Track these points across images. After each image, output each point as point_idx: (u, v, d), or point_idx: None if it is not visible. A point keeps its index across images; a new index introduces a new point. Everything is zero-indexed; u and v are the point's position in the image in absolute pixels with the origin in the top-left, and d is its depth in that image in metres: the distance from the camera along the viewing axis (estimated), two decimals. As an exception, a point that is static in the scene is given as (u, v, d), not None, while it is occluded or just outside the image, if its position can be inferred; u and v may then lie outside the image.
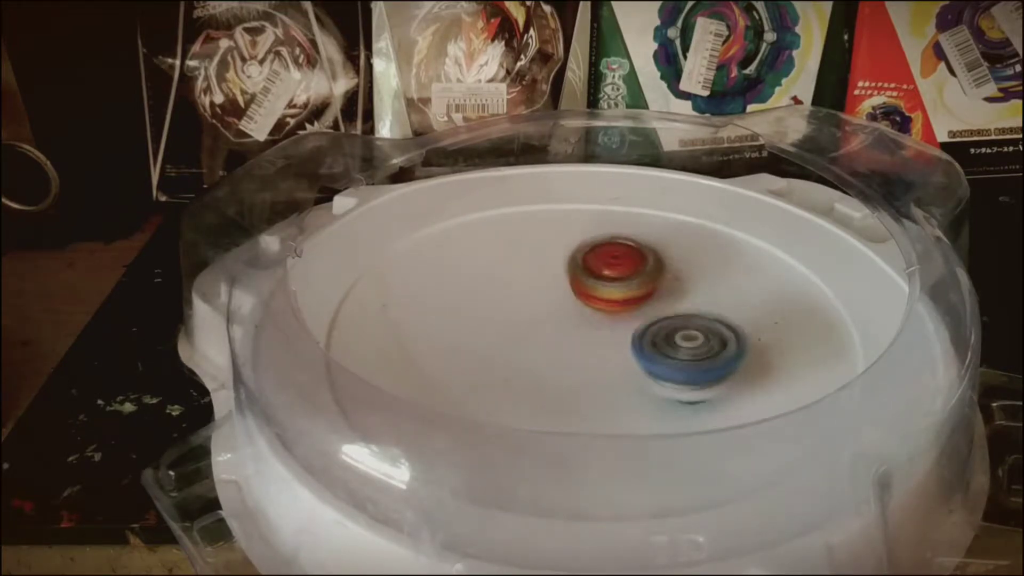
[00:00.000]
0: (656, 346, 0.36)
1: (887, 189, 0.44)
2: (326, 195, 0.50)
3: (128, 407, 0.41)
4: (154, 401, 0.42)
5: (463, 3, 0.57)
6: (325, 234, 0.47)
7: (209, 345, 0.42)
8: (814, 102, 0.59)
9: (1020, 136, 0.59)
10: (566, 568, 0.28)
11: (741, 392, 0.37)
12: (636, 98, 0.60)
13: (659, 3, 0.58)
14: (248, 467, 0.34)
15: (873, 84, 0.59)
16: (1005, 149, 0.59)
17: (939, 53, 0.58)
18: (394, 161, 0.53)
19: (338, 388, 0.34)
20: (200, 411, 0.40)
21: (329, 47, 0.58)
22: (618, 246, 0.43)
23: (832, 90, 0.59)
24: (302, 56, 0.58)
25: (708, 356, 0.36)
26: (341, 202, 0.50)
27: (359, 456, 0.31)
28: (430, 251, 0.48)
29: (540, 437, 0.31)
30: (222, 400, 0.39)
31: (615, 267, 0.41)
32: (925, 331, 0.37)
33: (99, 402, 0.42)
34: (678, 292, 0.44)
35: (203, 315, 0.42)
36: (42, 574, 0.36)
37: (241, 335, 0.37)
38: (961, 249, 0.40)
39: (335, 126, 0.59)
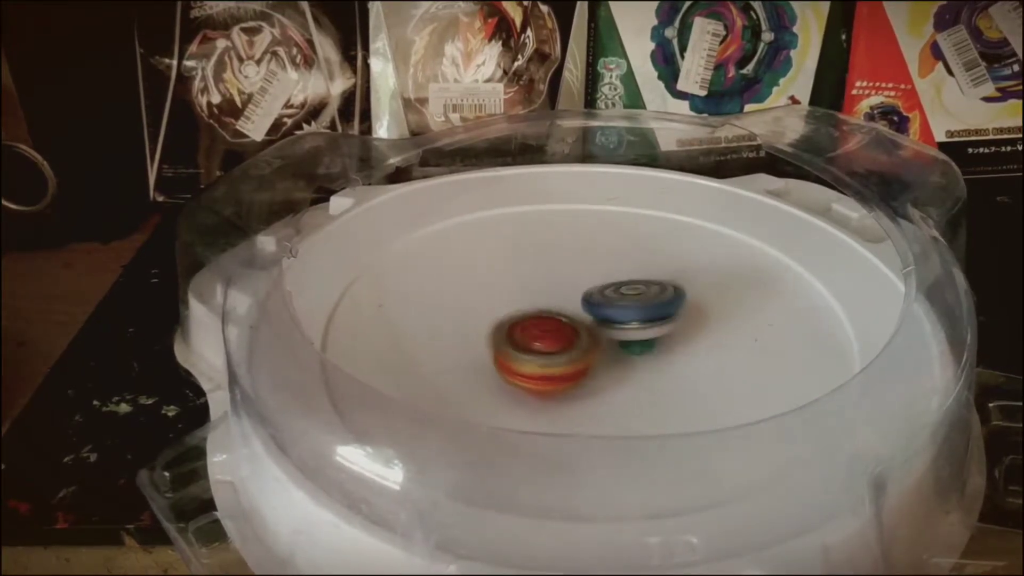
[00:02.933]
0: (606, 298, 0.40)
1: (884, 189, 0.43)
2: (323, 195, 0.50)
3: (124, 408, 0.41)
4: (150, 402, 0.42)
5: (460, 3, 0.57)
6: (321, 234, 0.47)
7: (205, 346, 0.42)
8: (812, 102, 0.59)
9: (1018, 136, 0.59)
10: (560, 569, 0.28)
11: (738, 391, 0.37)
12: (633, 98, 0.60)
13: (656, 3, 0.58)
14: (243, 468, 0.34)
15: (871, 84, 0.59)
16: (1003, 149, 0.59)
17: (937, 53, 0.58)
18: (391, 161, 0.53)
19: (333, 389, 0.34)
20: (196, 412, 0.40)
21: (326, 47, 0.58)
22: (548, 320, 0.38)
23: (830, 90, 0.59)
24: (299, 56, 0.58)
25: (654, 299, 0.39)
26: (338, 202, 0.50)
27: (354, 457, 0.30)
28: (427, 251, 0.48)
29: (534, 438, 0.31)
30: (218, 401, 0.39)
31: (544, 341, 0.36)
32: (922, 331, 0.37)
33: (95, 403, 0.42)
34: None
35: (199, 316, 0.42)
36: (38, 575, 0.36)
37: (236, 336, 0.37)
38: (958, 249, 0.40)
39: (332, 126, 0.59)
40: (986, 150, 0.59)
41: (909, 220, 0.41)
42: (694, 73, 0.59)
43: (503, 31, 0.58)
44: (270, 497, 0.33)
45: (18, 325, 0.49)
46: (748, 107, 0.59)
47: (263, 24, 0.58)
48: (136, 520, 0.35)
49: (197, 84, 0.59)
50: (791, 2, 0.58)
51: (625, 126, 0.60)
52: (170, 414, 0.41)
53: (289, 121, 0.59)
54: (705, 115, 0.59)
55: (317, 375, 0.35)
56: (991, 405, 0.37)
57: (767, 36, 0.58)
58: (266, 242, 0.43)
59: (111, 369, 0.44)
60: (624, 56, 0.59)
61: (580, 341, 0.37)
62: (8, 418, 0.41)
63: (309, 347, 0.36)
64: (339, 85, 0.59)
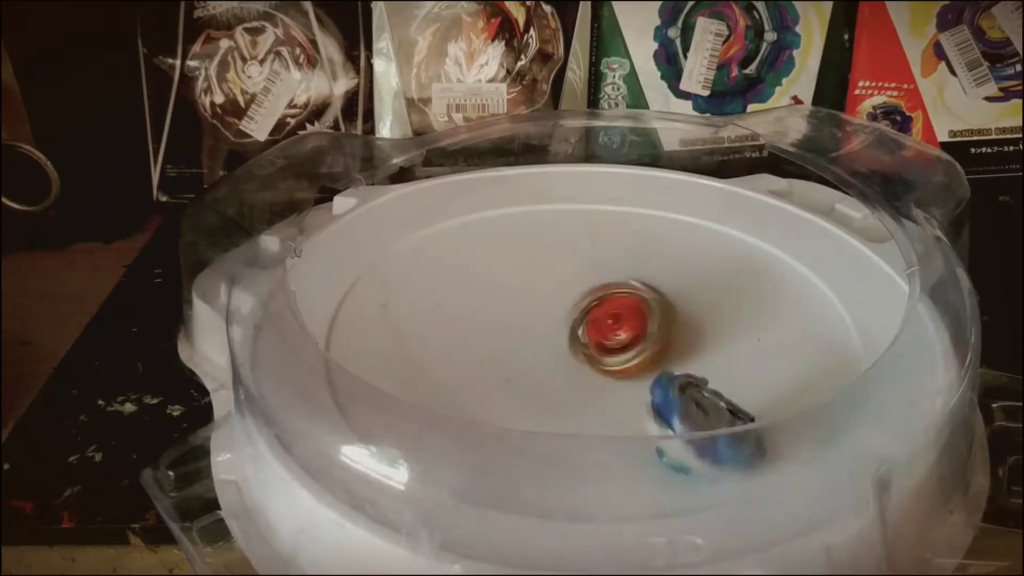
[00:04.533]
0: (683, 392, 0.32)
1: (887, 189, 0.43)
2: (326, 195, 0.50)
3: (128, 407, 0.41)
4: (154, 401, 0.42)
5: (463, 3, 0.57)
6: (325, 234, 0.47)
7: (209, 345, 0.42)
8: (814, 102, 0.59)
9: (1020, 136, 0.59)
10: (564, 569, 0.28)
11: (741, 391, 0.37)
12: (636, 98, 0.60)
13: (659, 3, 0.58)
14: (247, 467, 0.34)
15: (873, 84, 0.59)
16: (1005, 149, 0.59)
17: (939, 53, 0.58)
18: (394, 161, 0.53)
19: (337, 389, 0.34)
20: (200, 411, 0.40)
21: (329, 47, 0.58)
22: (618, 300, 0.39)
23: (832, 90, 0.59)
24: (302, 56, 0.58)
25: (718, 437, 0.31)
26: (341, 202, 0.50)
27: (358, 457, 0.31)
28: (430, 251, 0.48)
29: (539, 438, 0.31)
30: (222, 400, 0.39)
31: (619, 331, 0.38)
32: (925, 331, 0.37)
33: (99, 402, 0.42)
34: (678, 294, 0.43)
35: (203, 315, 0.42)
36: (42, 574, 0.36)
37: (240, 335, 0.37)
38: (961, 249, 0.40)
39: (335, 126, 0.59)
40: (988, 150, 0.59)
41: (912, 220, 0.41)
42: (697, 73, 0.59)
43: (506, 31, 0.58)
44: (274, 496, 0.33)
45: (22, 325, 0.49)
46: (751, 107, 0.59)
47: (266, 24, 0.58)
48: (141, 519, 0.35)
49: (200, 84, 0.59)
50: (794, 2, 0.58)
51: (628, 126, 0.59)
52: (174, 414, 0.41)
53: (292, 121, 0.59)
54: (708, 115, 0.59)
55: (321, 375, 0.35)
56: (994, 405, 0.37)
57: (770, 36, 0.58)
58: (270, 242, 0.43)
59: (115, 369, 0.44)
60: (627, 56, 0.59)
61: (652, 320, 0.38)
62: (12, 418, 0.41)
63: (313, 347, 0.36)
64: (342, 85, 0.59)
